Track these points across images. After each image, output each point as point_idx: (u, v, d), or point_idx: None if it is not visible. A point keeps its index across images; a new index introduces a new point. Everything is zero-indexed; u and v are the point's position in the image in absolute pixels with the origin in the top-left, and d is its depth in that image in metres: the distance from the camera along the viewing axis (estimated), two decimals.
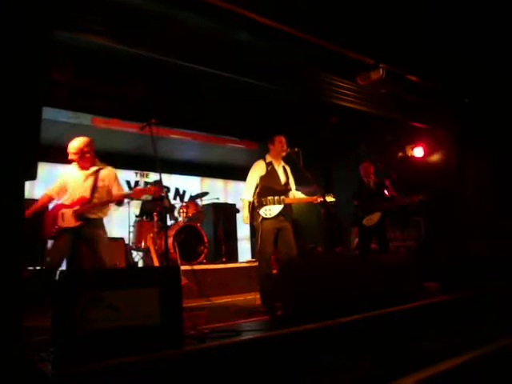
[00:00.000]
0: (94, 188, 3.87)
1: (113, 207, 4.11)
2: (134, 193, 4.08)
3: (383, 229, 5.90)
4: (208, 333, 2.73)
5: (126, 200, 4.50)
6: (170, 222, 6.69)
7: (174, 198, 8.67)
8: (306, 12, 4.44)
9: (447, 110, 6.94)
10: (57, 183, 4.03)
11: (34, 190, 6.71)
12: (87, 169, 3.94)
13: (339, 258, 6.79)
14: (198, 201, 6.98)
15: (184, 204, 6.60)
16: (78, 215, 3.75)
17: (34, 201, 5.52)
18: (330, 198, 4.45)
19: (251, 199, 4.29)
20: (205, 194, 7.22)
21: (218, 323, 3.27)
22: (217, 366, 2.31)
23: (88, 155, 3.91)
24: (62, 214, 3.77)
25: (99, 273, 2.66)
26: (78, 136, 3.95)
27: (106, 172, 3.98)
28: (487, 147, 6.83)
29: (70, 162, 3.96)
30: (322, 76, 5.65)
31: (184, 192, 8.91)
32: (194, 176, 9.11)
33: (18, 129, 2.29)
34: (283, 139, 4.45)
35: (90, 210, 3.81)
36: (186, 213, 6.44)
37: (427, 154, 7.52)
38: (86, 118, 5.75)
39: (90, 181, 3.89)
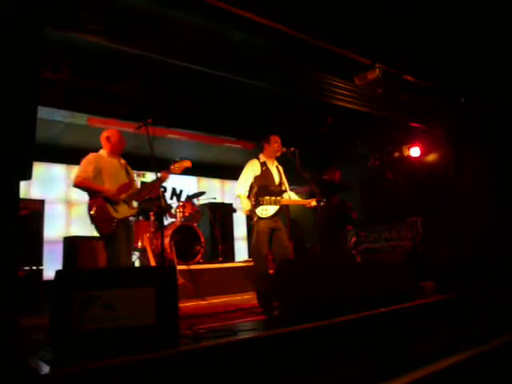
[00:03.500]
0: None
1: None
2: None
3: None
4: (204, 332, 2.73)
5: None
6: (166, 222, 6.68)
7: (171, 198, 8.64)
8: (304, 12, 4.44)
9: (444, 110, 6.95)
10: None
11: (30, 189, 6.69)
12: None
13: (336, 257, 6.81)
14: (195, 200, 6.96)
15: (181, 204, 6.58)
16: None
17: (29, 201, 5.52)
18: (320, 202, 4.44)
19: (247, 194, 4.30)
20: (201, 193, 7.20)
21: (214, 323, 3.27)
22: (212, 366, 2.30)
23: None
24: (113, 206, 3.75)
25: (96, 272, 2.66)
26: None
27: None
28: (484, 147, 6.84)
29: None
30: (320, 76, 5.65)
31: (181, 192, 8.89)
32: (191, 176, 9.08)
33: (12, 128, 2.28)
34: (279, 139, 4.46)
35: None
36: (183, 212, 6.42)
37: (424, 153, 7.54)
38: (81, 118, 5.72)
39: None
